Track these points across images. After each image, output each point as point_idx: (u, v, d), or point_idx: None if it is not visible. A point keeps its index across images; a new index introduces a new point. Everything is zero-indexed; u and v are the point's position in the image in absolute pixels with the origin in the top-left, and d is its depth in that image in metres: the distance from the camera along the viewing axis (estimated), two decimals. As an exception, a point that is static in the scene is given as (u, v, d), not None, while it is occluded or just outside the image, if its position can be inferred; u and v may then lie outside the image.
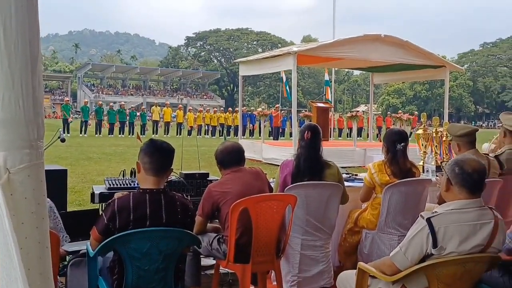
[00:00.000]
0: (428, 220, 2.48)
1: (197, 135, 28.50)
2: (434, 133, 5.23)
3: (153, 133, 28.44)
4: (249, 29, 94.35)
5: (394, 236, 4.14)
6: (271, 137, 25.69)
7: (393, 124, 23.54)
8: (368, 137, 21.29)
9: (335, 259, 4.53)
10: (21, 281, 1.01)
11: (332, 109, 20.59)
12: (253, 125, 30.45)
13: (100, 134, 26.66)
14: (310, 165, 3.87)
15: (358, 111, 25.78)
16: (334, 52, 12.68)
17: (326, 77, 23.97)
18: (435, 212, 2.54)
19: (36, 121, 1.31)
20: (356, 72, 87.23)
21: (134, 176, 4.40)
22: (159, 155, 2.80)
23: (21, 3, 1.25)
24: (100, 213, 3.03)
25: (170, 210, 2.79)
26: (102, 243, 2.66)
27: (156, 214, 2.74)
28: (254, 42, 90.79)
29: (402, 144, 4.14)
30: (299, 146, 3.99)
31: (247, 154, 3.87)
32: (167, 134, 28.32)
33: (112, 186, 4.02)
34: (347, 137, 31.13)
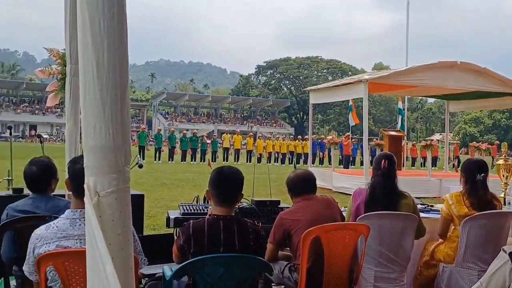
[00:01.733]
0: (511, 255, 2.36)
1: (267, 162, 28.64)
2: (516, 164, 4.99)
3: (224, 160, 28.89)
4: (319, 57, 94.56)
5: (473, 271, 3.94)
6: (341, 166, 25.38)
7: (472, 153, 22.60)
8: (443, 167, 20.53)
9: (410, 292, 4.37)
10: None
11: (405, 137, 20.06)
12: (323, 153, 30.27)
13: (172, 160, 27.41)
14: (385, 194, 3.80)
15: (432, 140, 24.96)
16: (407, 80, 12.47)
17: (400, 105, 23.50)
18: (520, 246, 2.42)
19: (124, 148, 1.39)
20: (431, 100, 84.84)
21: (207, 202, 4.49)
22: (226, 185, 2.86)
23: (113, 38, 1.34)
24: (177, 236, 3.10)
25: (242, 236, 2.82)
26: (177, 268, 2.73)
27: (229, 241, 2.79)
28: (324, 70, 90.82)
29: (482, 174, 3.97)
30: (374, 174, 3.93)
31: (317, 183, 3.85)
32: (237, 161, 28.68)
33: (186, 211, 4.12)
34: (421, 166, 30.18)
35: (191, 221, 2.92)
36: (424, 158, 29.35)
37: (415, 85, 12.90)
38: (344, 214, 3.91)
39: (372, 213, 3.79)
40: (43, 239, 2.44)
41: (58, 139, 62.20)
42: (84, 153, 1.41)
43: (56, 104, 5.21)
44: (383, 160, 3.89)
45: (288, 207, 4.14)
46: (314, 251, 3.29)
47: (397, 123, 22.60)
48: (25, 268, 2.51)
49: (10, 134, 6.99)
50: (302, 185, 3.59)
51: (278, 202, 4.40)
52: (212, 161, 21.89)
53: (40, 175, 3.24)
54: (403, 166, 20.54)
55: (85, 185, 1.42)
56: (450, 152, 26.07)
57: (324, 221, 3.37)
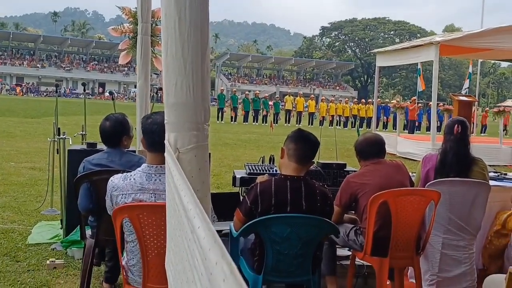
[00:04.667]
0: None
1: (329, 125, 28.37)
2: None
3: (285, 122, 28.90)
4: (387, 18, 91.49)
5: (548, 243, 3.79)
6: (406, 131, 24.75)
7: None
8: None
9: (479, 261, 4.25)
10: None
11: (476, 103, 19.22)
12: (387, 118, 29.62)
13: (235, 121, 27.68)
14: (458, 160, 3.69)
15: (505, 106, 23.79)
16: (482, 43, 11.85)
17: (470, 69, 22.47)
18: None
19: (204, 105, 1.40)
20: (504, 64, 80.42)
21: (273, 163, 4.51)
22: (305, 143, 2.86)
23: (194, -4, 1.34)
24: (243, 196, 3.14)
25: (310, 198, 2.82)
26: (245, 225, 2.77)
27: (296, 201, 2.79)
28: (391, 32, 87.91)
29: None
30: (446, 140, 3.81)
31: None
32: (299, 123, 28.58)
33: (252, 171, 4.17)
34: (480, 133, 28.91)
35: (258, 182, 2.95)
36: (484, 125, 28.21)
37: (490, 48, 12.22)
38: (413, 179, 3.82)
39: (444, 179, 3.69)
40: (120, 189, 2.54)
41: (126, 97, 64.17)
42: (165, 110, 1.43)
43: (128, 62, 5.33)
44: (456, 125, 3.76)
45: (354, 171, 4.10)
46: (381, 215, 3.25)
47: (466, 87, 21.67)
48: (107, 203, 2.65)
49: (84, 90, 7.24)
50: (371, 149, 3.53)
51: (344, 165, 4.36)
52: (274, 123, 21.94)
53: (114, 131, 3.35)
54: (472, 133, 19.77)
55: (166, 141, 1.45)
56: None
57: (392, 186, 3.31)
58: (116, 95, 58.06)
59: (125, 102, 50.49)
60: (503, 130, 20.58)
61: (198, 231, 0.82)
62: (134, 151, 3.82)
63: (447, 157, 3.73)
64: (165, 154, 1.47)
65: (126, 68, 71.68)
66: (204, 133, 1.41)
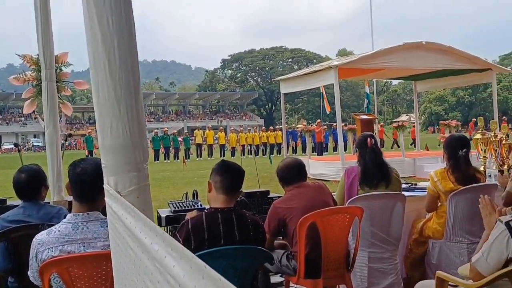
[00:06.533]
0: (507, 224, 2.43)
1: (241, 155, 28.62)
2: (493, 137, 5.11)
3: (197, 157, 28.76)
4: (283, 47, 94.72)
5: (463, 245, 4.05)
6: (315, 153, 25.56)
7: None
8: (414, 146, 20.88)
9: (402, 271, 4.45)
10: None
11: (376, 120, 20.34)
12: (295, 142, 30.42)
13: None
14: (379, 168, 3.95)
15: (403, 121, 25.36)
16: (375, 63, 12.62)
17: (367, 89, 23.77)
18: (514, 215, 2.49)
19: (141, 144, 1.38)
20: (395, 82, 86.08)
21: (197, 198, 4.48)
22: (230, 174, 2.87)
23: (122, 35, 1.33)
24: (174, 235, 3.08)
25: (242, 228, 2.83)
26: (180, 264, 2.71)
27: (229, 233, 2.79)
28: (289, 60, 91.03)
29: (464, 150, 4.08)
30: (362, 153, 4.05)
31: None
32: (211, 157, 28.57)
33: (177, 208, 4.11)
34: (391, 148, 30.59)
35: (188, 218, 2.91)
36: (395, 140, 29.94)
37: (383, 67, 13.07)
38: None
39: (361, 195, 3.87)
40: (45, 244, 2.39)
41: (25, 148, 60.74)
42: (102, 153, 1.39)
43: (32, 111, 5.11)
44: (368, 139, 4.05)
45: (278, 197, 4.17)
46: (310, 237, 3.32)
47: (365, 106, 22.88)
48: (29, 273, 2.46)
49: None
50: (293, 173, 3.62)
51: (268, 192, 4.43)
52: (186, 159, 21.77)
53: (30, 182, 3.17)
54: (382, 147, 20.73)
55: (105, 185, 1.40)
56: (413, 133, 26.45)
57: (318, 206, 3.41)
58: (20, 146, 54.83)
59: (25, 154, 47.75)
60: (411, 144, 21.90)
61: (174, 270, 0.80)
62: (49, 203, 3.63)
63: (368, 166, 3.96)
64: (106, 199, 1.42)
65: (23, 118, 68.13)
66: (144, 173, 1.39)
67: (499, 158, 5.23)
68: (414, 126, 29.42)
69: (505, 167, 5.09)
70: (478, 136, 5.22)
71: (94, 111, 1.42)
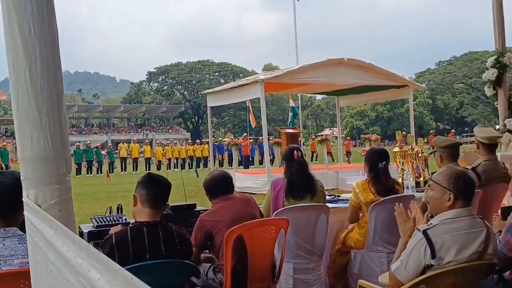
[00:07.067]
0: (425, 232, 2.55)
1: (167, 169, 28.21)
2: (410, 150, 5.38)
3: (122, 170, 28.08)
4: (210, 61, 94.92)
5: (383, 254, 4.21)
6: (241, 166, 25.69)
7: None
8: (337, 160, 21.53)
9: (326, 281, 4.56)
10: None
11: (301, 134, 20.81)
12: (222, 155, 30.43)
13: (67, 174, 26.03)
14: (305, 180, 4.05)
15: (327, 134, 26.11)
16: (300, 78, 12.92)
17: (291, 104, 24.26)
18: (430, 224, 2.62)
19: (65, 156, 1.33)
20: (319, 97, 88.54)
21: (121, 212, 4.36)
22: (156, 187, 2.83)
23: (45, 42, 1.28)
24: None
25: (168, 242, 2.79)
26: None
27: (155, 247, 2.74)
28: (216, 73, 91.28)
29: (384, 162, 4.25)
30: (288, 166, 4.13)
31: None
32: (136, 171, 27.95)
33: (100, 223, 3.98)
34: (311, 161, 31.33)
35: (112, 233, 2.84)
36: (313, 152, 30.84)
37: (307, 82, 13.39)
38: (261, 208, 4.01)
39: (287, 207, 3.94)
40: None
41: None
42: (21, 165, 1.33)
43: None
44: (295, 151, 4.15)
45: (204, 210, 4.15)
46: (237, 249, 3.33)
47: (290, 121, 23.33)
48: None
49: None
50: (220, 186, 3.62)
51: (194, 205, 4.39)
52: (110, 172, 21.16)
53: None
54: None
55: (24, 199, 1.34)
56: (342, 146, 27.38)
57: (244, 219, 3.42)
58: None
59: None
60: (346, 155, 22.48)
61: (100, 283, 0.77)
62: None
63: (295, 178, 4.04)
64: (25, 213, 1.35)
65: None
66: (67, 185, 1.34)
67: (417, 170, 5.51)
68: (348, 140, 30.52)
69: (421, 179, 5.37)
70: (396, 149, 5.47)
71: (11, 123, 1.35)
